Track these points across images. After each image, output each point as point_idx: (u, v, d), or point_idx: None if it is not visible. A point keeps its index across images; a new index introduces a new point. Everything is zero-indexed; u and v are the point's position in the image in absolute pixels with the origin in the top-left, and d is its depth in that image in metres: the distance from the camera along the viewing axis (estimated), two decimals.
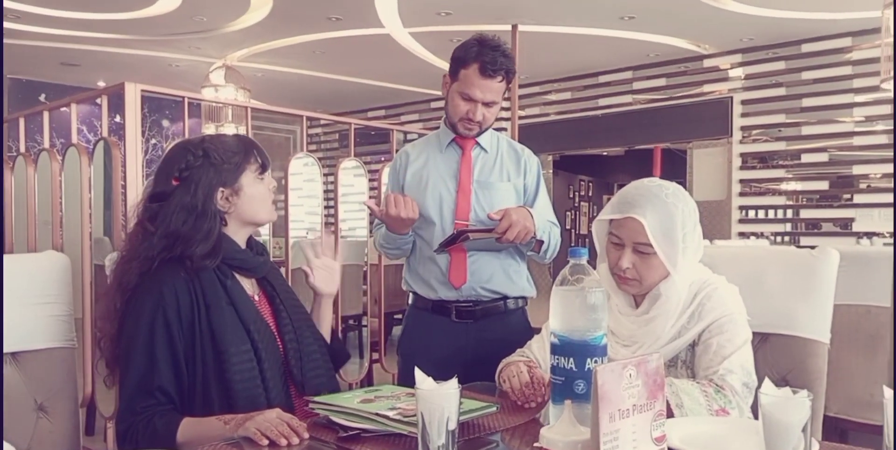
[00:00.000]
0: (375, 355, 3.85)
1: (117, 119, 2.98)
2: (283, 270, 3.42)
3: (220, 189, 1.45)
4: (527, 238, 1.87)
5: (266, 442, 1.17)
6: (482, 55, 1.89)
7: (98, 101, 3.13)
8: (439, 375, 1.12)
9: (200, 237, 1.41)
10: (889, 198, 5.14)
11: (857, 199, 5.32)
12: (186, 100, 3.12)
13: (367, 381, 3.89)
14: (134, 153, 2.91)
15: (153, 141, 7.63)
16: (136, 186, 2.85)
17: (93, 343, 1.45)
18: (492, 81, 1.91)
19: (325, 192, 3.74)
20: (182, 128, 3.22)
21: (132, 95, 2.90)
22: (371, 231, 2.18)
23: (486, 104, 1.94)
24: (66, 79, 7.32)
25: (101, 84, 7.26)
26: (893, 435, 0.97)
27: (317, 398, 1.32)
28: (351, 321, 4.47)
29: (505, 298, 2.00)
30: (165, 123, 7.84)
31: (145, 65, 6.76)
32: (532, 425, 1.31)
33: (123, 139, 2.89)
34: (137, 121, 2.91)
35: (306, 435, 1.20)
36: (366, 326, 4.11)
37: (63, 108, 3.53)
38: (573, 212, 9.86)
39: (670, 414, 1.29)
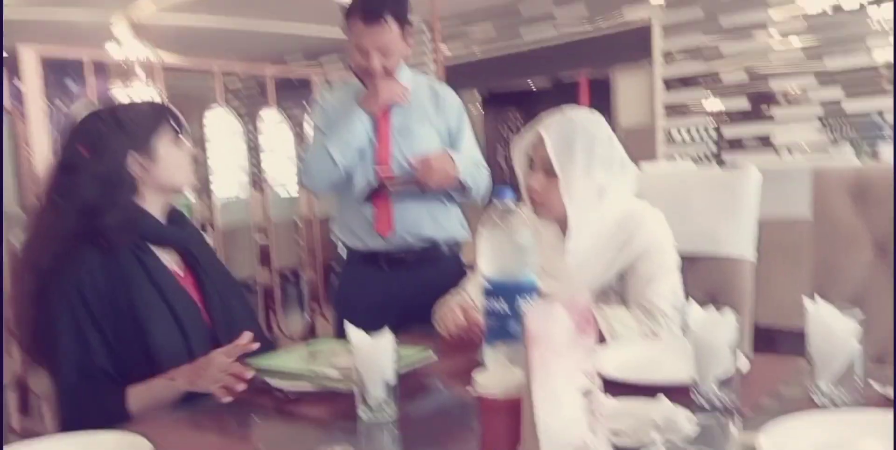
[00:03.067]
0: (315, 305, 3.84)
1: (16, 83, 2.80)
2: (211, 231, 3.33)
3: (133, 153, 1.38)
4: (449, 183, 1.84)
5: (230, 399, 1.17)
6: (364, 2, 1.82)
7: None
8: (375, 325, 1.11)
9: (110, 207, 1.34)
10: (806, 110, 5.28)
11: (776, 113, 5.44)
12: (88, 60, 2.96)
13: (311, 332, 3.89)
14: (38, 121, 2.77)
15: (57, 102, 7.24)
16: (43, 155, 2.71)
17: (7, 331, 1.37)
18: (377, 28, 1.82)
19: (251, 149, 3.63)
20: (89, 90, 3.05)
21: (29, 60, 2.74)
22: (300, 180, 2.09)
23: (381, 51, 1.86)
24: None
25: None
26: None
27: (255, 361, 1.29)
28: (288, 275, 4.42)
29: (436, 243, 1.99)
30: (72, 85, 7.43)
31: (43, 25, 6.34)
32: (471, 366, 1.31)
33: (24, 106, 2.73)
34: (38, 87, 2.76)
35: (250, 374, 1.19)
36: (304, 279, 4.08)
37: None
38: (504, 147, 9.88)
39: (604, 342, 1.31)
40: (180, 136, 1.46)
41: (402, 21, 1.87)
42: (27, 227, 1.42)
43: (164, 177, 1.42)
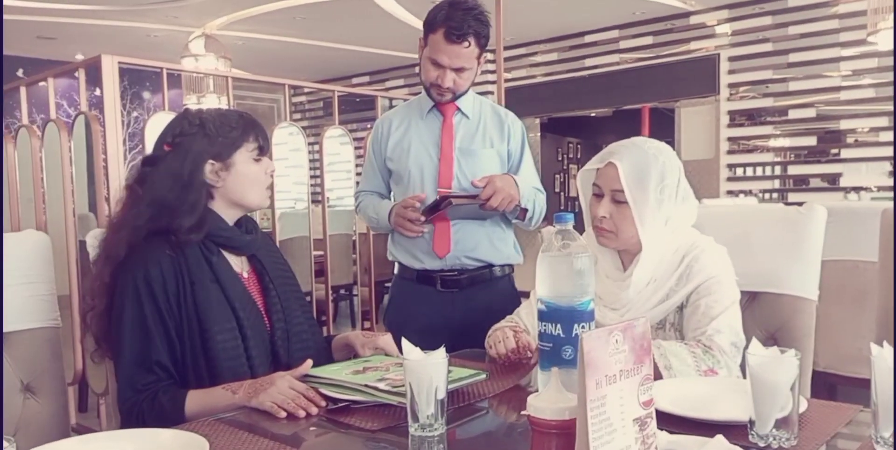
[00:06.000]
0: (367, 324, 3.86)
1: (97, 92, 2.91)
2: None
3: (210, 161, 1.42)
4: (511, 206, 1.85)
5: (284, 415, 1.19)
6: (449, 19, 1.82)
7: (76, 74, 3.07)
8: (427, 344, 1.12)
9: (186, 209, 1.38)
10: (876, 152, 5.14)
11: (845, 153, 5.31)
12: (165, 71, 3.07)
13: None
14: (114, 127, 2.87)
15: (135, 114, 7.53)
16: (117, 160, 2.82)
17: (81, 320, 1.42)
18: (458, 47, 1.84)
19: (311, 161, 3.71)
20: (163, 100, 3.16)
21: (109, 68, 2.84)
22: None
23: (457, 70, 1.89)
24: (43, 53, 7.17)
25: (80, 57, 7.13)
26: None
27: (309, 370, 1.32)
28: (342, 291, 4.47)
29: (490, 266, 1.99)
30: (146, 94, 7.72)
31: (123, 36, 6.63)
32: (521, 391, 1.31)
33: (103, 113, 2.84)
34: (116, 94, 2.86)
35: (323, 403, 1.22)
36: (356, 295, 4.12)
37: (41, 83, 3.45)
38: (562, 174, 9.84)
39: (659, 376, 1.29)
40: (262, 154, 1.48)
41: (482, 44, 1.89)
42: (109, 220, 1.47)
43: (236, 190, 1.44)
